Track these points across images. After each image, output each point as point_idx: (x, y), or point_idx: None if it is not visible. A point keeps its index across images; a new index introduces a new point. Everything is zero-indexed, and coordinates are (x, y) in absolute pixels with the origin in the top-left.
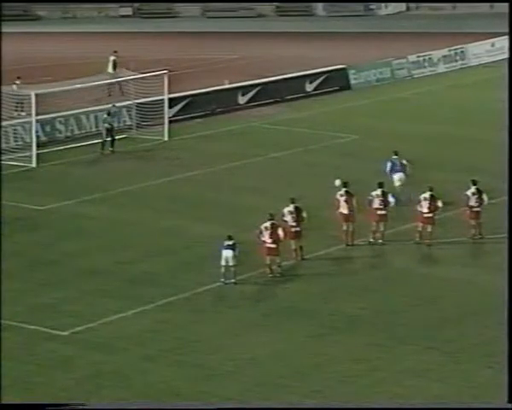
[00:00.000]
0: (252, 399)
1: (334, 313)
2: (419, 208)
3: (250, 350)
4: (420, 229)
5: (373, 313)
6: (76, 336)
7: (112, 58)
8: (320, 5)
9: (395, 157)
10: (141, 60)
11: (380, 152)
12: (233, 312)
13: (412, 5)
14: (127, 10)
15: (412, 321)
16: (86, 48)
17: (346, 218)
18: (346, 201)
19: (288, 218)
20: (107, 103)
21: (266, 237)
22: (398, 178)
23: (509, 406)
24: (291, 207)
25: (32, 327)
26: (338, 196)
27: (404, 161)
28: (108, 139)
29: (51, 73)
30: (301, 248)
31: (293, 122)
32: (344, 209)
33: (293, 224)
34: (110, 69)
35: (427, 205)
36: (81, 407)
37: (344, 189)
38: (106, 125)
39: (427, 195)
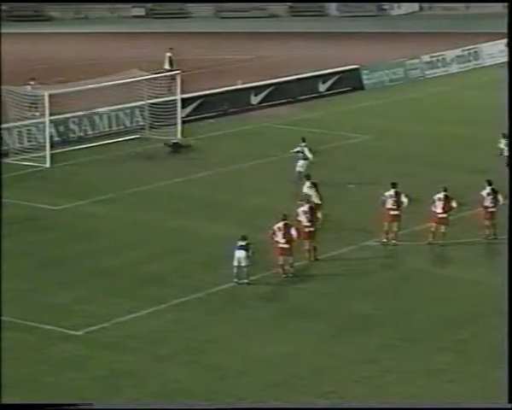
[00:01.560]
0: (264, 399)
1: (347, 314)
2: (433, 209)
3: (263, 350)
4: (433, 229)
5: (386, 314)
6: (89, 336)
7: (168, 55)
8: (333, 5)
9: (303, 144)
10: (153, 60)
11: (393, 152)
12: (246, 312)
13: (425, 5)
14: (140, 11)
15: (425, 322)
16: (99, 48)
17: (317, 207)
18: (316, 191)
19: (302, 218)
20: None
21: (279, 238)
22: (301, 164)
23: (510, 406)
24: (305, 207)
25: (46, 327)
26: (305, 190)
27: (308, 151)
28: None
29: (63, 74)
30: (315, 248)
31: (306, 122)
32: (315, 200)
33: (308, 224)
34: (167, 65)
35: (442, 205)
36: (83, 408)
37: (309, 181)
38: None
39: (441, 195)
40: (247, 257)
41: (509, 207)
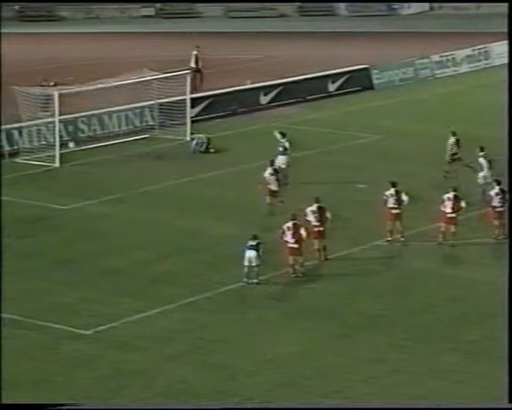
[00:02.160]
0: (272, 399)
1: (356, 314)
2: (442, 208)
3: (271, 350)
4: (443, 229)
5: (394, 314)
6: (98, 336)
7: (194, 53)
8: (342, 5)
9: (283, 139)
10: (163, 60)
11: (402, 152)
12: (255, 312)
13: (435, 5)
14: (149, 10)
15: (433, 322)
16: (108, 48)
17: (273, 193)
18: (276, 179)
19: (311, 217)
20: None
21: (289, 237)
22: (282, 160)
23: (510, 406)
24: (314, 207)
25: (55, 326)
26: (267, 174)
27: (287, 144)
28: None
29: (73, 73)
30: (324, 248)
31: (316, 122)
32: (273, 186)
33: (317, 223)
34: (193, 64)
35: (451, 205)
36: (85, 407)
37: (272, 167)
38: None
39: (450, 195)
40: (258, 257)
41: (509, 207)
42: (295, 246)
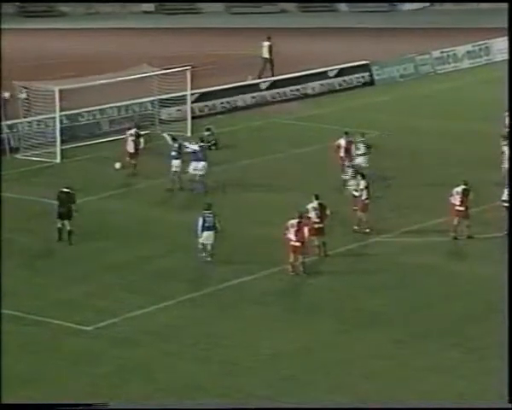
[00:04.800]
0: (274, 394)
1: (357, 310)
2: (452, 201)
3: (273, 346)
4: (455, 223)
5: (396, 310)
6: (100, 332)
7: (266, 44)
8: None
9: (176, 145)
10: (164, 56)
11: (403, 148)
12: (256, 307)
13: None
14: (150, 6)
15: (437, 318)
16: (108, 44)
17: (131, 156)
18: (133, 141)
19: (312, 214)
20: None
21: (292, 235)
22: (177, 164)
23: (510, 406)
24: (315, 204)
25: (56, 322)
26: (127, 135)
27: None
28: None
29: (73, 69)
30: (324, 244)
31: (316, 118)
32: (130, 149)
33: (317, 220)
34: (266, 54)
35: (460, 199)
36: (88, 408)
37: (135, 129)
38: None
39: (459, 189)
40: (215, 234)
41: (509, 207)
42: (297, 244)
